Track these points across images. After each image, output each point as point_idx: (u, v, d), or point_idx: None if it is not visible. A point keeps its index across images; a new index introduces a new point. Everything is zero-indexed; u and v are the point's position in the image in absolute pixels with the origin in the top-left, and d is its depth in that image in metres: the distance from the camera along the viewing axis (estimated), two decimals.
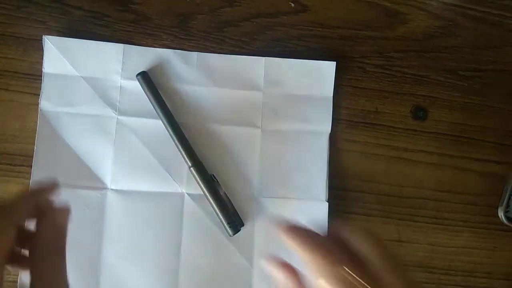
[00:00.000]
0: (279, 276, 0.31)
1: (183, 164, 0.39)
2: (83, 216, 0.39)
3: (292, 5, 0.42)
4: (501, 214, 0.43)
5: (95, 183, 0.39)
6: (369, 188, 0.42)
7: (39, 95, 0.39)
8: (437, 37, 0.43)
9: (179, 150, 0.39)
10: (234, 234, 0.39)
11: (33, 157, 0.39)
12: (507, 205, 0.43)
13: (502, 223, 0.43)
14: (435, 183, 0.43)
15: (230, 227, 0.38)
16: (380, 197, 0.42)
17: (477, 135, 0.43)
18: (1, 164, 0.39)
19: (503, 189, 0.43)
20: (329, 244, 0.28)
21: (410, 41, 0.43)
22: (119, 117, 0.40)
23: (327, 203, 0.40)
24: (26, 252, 0.31)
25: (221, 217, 0.38)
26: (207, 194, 0.39)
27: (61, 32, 0.40)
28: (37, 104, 0.39)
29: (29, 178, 0.39)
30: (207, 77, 0.41)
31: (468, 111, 0.43)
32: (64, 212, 0.32)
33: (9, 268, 0.30)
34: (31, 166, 0.39)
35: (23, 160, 0.39)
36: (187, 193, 0.40)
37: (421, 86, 0.43)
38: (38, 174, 0.39)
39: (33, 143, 0.39)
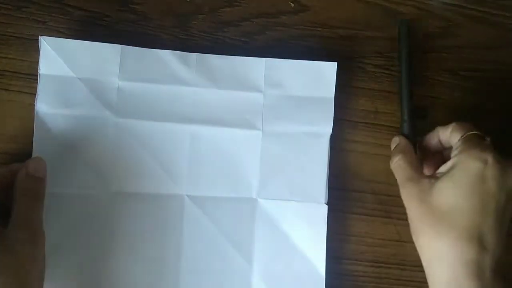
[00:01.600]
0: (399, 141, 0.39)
1: (183, 165, 0.39)
2: (82, 220, 0.38)
3: (292, 5, 0.42)
4: None
5: (94, 185, 0.39)
6: (369, 188, 0.42)
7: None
8: (437, 37, 0.44)
9: (402, 99, 0.41)
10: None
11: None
12: None
13: None
14: None
15: None
16: (380, 197, 0.42)
17: None
18: (1, 164, 0.39)
19: None
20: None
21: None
22: (116, 119, 0.39)
23: (326, 206, 0.40)
24: None
25: None
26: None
27: (61, 32, 0.40)
28: None
29: None
30: (206, 78, 0.40)
31: (468, 111, 0.43)
32: (40, 162, 0.36)
33: None
34: None
35: (23, 160, 0.39)
36: (187, 195, 0.40)
37: (421, 86, 0.43)
38: None
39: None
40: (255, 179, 0.40)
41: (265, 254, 0.40)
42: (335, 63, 0.41)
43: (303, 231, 0.40)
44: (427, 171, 0.39)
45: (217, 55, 0.41)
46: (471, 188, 0.33)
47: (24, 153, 0.39)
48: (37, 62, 0.39)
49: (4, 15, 0.40)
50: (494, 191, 0.33)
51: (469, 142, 0.35)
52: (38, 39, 0.39)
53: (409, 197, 0.36)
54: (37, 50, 0.39)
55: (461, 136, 0.36)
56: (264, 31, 0.42)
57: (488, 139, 0.36)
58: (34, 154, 0.38)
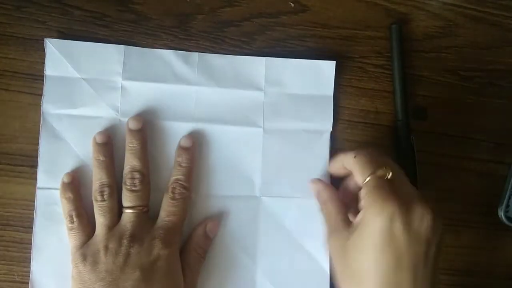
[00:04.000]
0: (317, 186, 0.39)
1: None
2: None
3: (292, 5, 0.42)
4: (501, 214, 0.43)
5: None
6: None
7: (40, 95, 0.39)
8: (437, 37, 0.43)
9: (395, 99, 0.42)
10: None
11: (33, 157, 0.39)
12: (507, 205, 0.43)
13: (502, 223, 0.43)
14: (435, 183, 0.43)
15: None
16: None
17: (477, 135, 0.43)
18: (1, 164, 0.39)
19: (503, 189, 0.43)
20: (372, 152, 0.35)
21: (410, 41, 0.43)
22: (121, 118, 0.40)
23: None
24: None
25: None
26: (402, 151, 0.41)
27: (61, 32, 0.40)
28: (37, 104, 0.39)
29: (29, 178, 0.39)
30: (208, 77, 0.41)
31: (468, 111, 0.43)
32: (216, 224, 0.39)
33: None
34: (31, 166, 0.39)
35: (23, 160, 0.39)
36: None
37: (421, 86, 0.43)
38: (43, 177, 0.39)
39: (33, 143, 0.39)
40: (258, 177, 0.40)
41: (269, 252, 0.40)
42: (334, 62, 0.41)
43: (306, 227, 0.40)
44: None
45: (218, 54, 0.41)
46: (381, 245, 0.31)
47: (24, 153, 0.39)
48: (37, 62, 0.39)
49: (4, 15, 0.40)
50: (405, 246, 0.31)
51: (372, 192, 0.32)
52: (38, 39, 0.39)
53: (332, 250, 0.35)
54: (37, 50, 0.40)
55: (364, 180, 0.33)
56: (264, 31, 0.42)
57: (390, 175, 0.33)
58: (40, 154, 0.39)
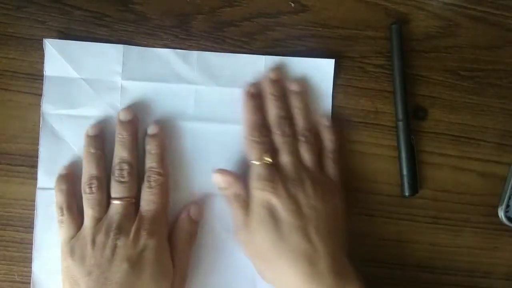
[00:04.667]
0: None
1: (186, 163, 0.40)
2: None
3: (292, 5, 0.42)
4: (501, 214, 0.43)
5: None
6: (369, 188, 0.42)
7: (40, 95, 0.39)
8: (437, 37, 0.43)
9: (395, 99, 0.42)
10: (410, 195, 0.41)
11: (33, 157, 0.39)
12: (507, 205, 0.43)
13: (502, 223, 0.43)
14: (435, 183, 0.43)
15: (409, 187, 0.41)
16: (380, 197, 0.42)
17: (477, 135, 0.43)
18: (1, 164, 0.39)
19: (503, 189, 0.43)
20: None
21: (410, 41, 0.43)
22: None
23: None
24: None
25: (405, 174, 0.41)
26: (402, 151, 0.41)
27: (61, 32, 0.40)
28: (37, 104, 0.39)
29: (29, 178, 0.39)
30: (207, 76, 0.41)
31: (468, 111, 0.43)
32: (201, 208, 0.40)
33: None
34: (31, 166, 0.39)
35: (23, 160, 0.39)
36: (190, 192, 0.40)
37: (421, 86, 0.43)
38: (43, 177, 0.39)
39: (33, 143, 0.39)
40: None
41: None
42: (333, 60, 0.41)
43: None
44: None
45: (218, 53, 0.41)
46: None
47: (24, 153, 0.39)
48: (37, 62, 0.39)
49: (4, 15, 0.40)
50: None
51: (253, 183, 0.38)
52: (38, 39, 0.39)
53: (240, 242, 0.39)
54: (37, 50, 0.40)
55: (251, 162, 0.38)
56: (264, 31, 0.42)
57: (270, 160, 0.38)
58: (40, 154, 0.39)
